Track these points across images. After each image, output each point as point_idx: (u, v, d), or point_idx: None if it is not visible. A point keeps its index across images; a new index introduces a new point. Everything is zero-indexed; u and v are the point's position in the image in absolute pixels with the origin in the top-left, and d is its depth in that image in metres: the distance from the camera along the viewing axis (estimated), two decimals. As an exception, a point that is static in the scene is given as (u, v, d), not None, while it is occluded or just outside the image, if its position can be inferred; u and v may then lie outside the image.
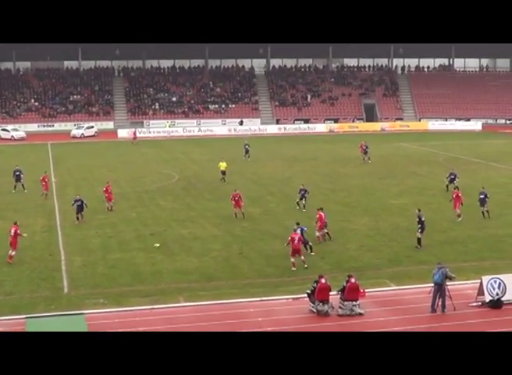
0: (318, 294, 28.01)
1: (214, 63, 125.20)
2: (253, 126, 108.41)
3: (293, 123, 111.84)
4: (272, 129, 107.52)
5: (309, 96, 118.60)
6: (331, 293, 28.22)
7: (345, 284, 28.29)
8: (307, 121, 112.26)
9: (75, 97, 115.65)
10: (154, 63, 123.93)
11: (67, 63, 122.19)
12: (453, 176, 53.95)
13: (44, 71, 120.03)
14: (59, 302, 30.16)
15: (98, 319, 28.03)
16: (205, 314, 28.21)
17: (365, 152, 70.33)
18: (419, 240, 37.90)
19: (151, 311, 28.90)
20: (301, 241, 34.72)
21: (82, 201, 44.95)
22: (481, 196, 44.51)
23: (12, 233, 36.26)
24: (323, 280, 28.25)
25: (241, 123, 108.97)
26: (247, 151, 72.89)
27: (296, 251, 34.15)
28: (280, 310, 28.86)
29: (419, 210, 38.61)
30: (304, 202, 47.27)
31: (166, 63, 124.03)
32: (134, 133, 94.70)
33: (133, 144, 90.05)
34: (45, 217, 46.55)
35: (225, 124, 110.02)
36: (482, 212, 44.05)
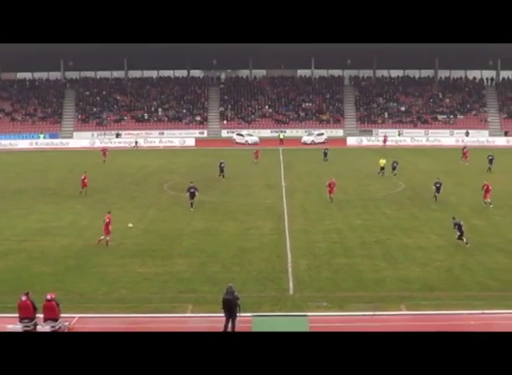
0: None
1: (443, 74, 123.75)
2: (480, 137, 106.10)
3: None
4: (500, 141, 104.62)
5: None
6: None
7: None
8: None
9: (306, 104, 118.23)
10: (384, 73, 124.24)
11: (300, 72, 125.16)
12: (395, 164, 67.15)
13: (279, 79, 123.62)
14: (284, 303, 31.13)
15: (321, 321, 28.83)
16: (424, 323, 28.33)
17: None
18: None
19: (372, 317, 29.32)
20: None
21: (195, 189, 51.75)
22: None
23: (106, 222, 40.99)
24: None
25: (467, 134, 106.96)
26: (490, 162, 71.56)
27: None
28: (501, 324, 28.59)
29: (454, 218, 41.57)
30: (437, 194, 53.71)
31: (396, 73, 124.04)
32: (385, 138, 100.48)
33: (384, 147, 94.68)
34: (274, 220, 48.06)
35: (452, 135, 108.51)
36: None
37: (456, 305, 30.69)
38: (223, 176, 66.81)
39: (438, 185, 54.28)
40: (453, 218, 41.29)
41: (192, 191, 51.72)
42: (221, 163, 67.72)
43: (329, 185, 55.05)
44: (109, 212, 42.26)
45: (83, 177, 58.82)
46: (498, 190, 59.68)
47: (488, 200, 51.45)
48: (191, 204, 51.42)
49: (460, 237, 40.12)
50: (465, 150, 79.28)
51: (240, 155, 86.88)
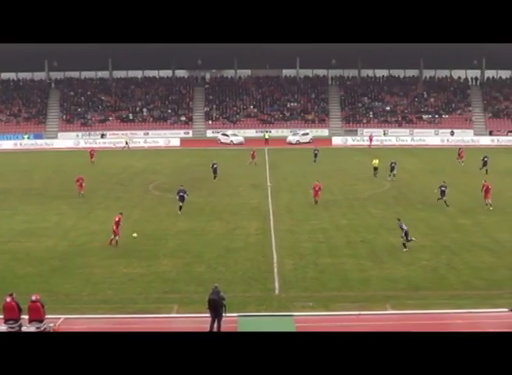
0: (527, 310, 27.67)
1: (428, 73, 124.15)
2: (465, 137, 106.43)
3: (507, 134, 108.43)
4: (485, 140, 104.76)
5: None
6: (541, 309, 27.73)
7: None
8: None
9: (292, 104, 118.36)
10: (369, 72, 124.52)
11: (285, 72, 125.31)
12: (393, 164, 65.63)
13: (263, 79, 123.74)
14: (270, 303, 31.22)
15: (307, 321, 28.95)
16: (410, 323, 28.41)
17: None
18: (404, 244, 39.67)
19: (357, 317, 29.36)
20: None
21: (184, 192, 50.32)
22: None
23: (115, 221, 40.99)
24: (532, 296, 27.88)
25: (452, 134, 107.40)
26: (485, 164, 71.06)
27: None
28: (487, 323, 28.63)
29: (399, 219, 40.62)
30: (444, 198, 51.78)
31: (381, 72, 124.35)
32: (370, 137, 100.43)
33: (369, 147, 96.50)
34: (260, 220, 48.10)
35: (437, 134, 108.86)
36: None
37: (442, 304, 30.84)
38: (215, 177, 65.88)
39: (443, 189, 52.35)
40: (398, 219, 40.77)
41: (181, 194, 50.31)
42: (213, 164, 66.69)
43: (314, 188, 53.72)
44: (121, 213, 42.06)
45: (76, 179, 58.12)
46: (479, 188, 59.91)
47: (489, 201, 51.10)
48: (180, 207, 50.09)
49: (406, 240, 39.70)
50: (461, 150, 79.59)
51: (225, 155, 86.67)
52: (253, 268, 36.57)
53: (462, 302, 30.92)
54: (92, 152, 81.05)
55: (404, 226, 39.74)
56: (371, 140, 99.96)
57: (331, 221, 47.69)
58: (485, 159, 70.84)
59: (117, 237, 40.90)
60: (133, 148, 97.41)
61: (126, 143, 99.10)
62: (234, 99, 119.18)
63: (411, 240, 39.77)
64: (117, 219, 41.12)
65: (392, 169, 66.33)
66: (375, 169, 67.94)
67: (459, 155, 78.82)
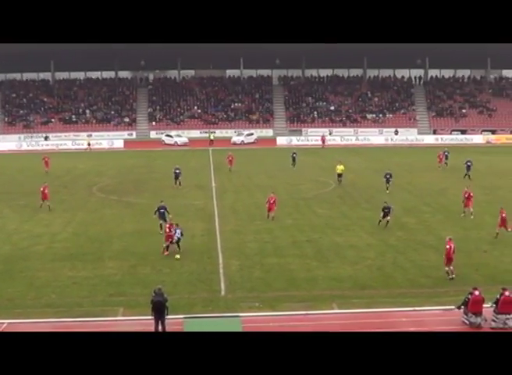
0: (472, 306, 27.92)
1: (372, 73, 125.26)
2: (409, 136, 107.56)
3: (450, 133, 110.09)
4: (429, 139, 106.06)
5: (466, 107, 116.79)
6: (484, 305, 28.06)
7: (498, 297, 28.05)
8: (464, 132, 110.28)
9: (236, 104, 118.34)
10: (313, 72, 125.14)
11: (229, 72, 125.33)
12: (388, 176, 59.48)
13: (207, 79, 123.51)
14: (216, 304, 31.12)
15: (253, 322, 28.82)
16: (357, 322, 28.55)
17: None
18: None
19: (304, 316, 29.40)
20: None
21: (165, 209, 44.88)
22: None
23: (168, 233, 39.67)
24: (477, 292, 28.13)
25: (396, 133, 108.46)
26: (468, 169, 67.46)
27: (451, 260, 34.29)
28: (432, 321, 28.87)
29: (177, 224, 40.16)
30: (387, 219, 45.48)
31: (325, 72, 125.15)
32: (323, 138, 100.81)
33: (323, 148, 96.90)
34: (205, 221, 47.95)
35: (381, 134, 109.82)
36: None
37: (388, 302, 31.03)
38: (180, 183, 62.62)
39: (386, 210, 45.93)
40: (177, 224, 40.15)
41: (162, 210, 44.96)
42: (176, 169, 63.45)
43: (269, 201, 48.31)
44: (176, 223, 40.45)
45: (42, 189, 53.56)
46: (427, 187, 60.63)
47: (471, 209, 48.02)
48: (161, 225, 44.60)
49: (176, 243, 39.31)
50: (440, 153, 75.44)
51: (169, 155, 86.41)
52: (199, 269, 36.38)
53: (408, 300, 31.14)
54: (46, 160, 74.32)
55: (180, 233, 39.31)
56: (323, 140, 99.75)
57: (276, 221, 47.62)
58: (468, 164, 67.52)
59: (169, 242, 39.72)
60: (76, 150, 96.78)
61: (89, 144, 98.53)
62: (178, 100, 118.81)
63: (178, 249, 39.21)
64: (169, 229, 39.90)
65: (387, 181, 60.45)
66: (339, 175, 63.76)
67: (439, 158, 74.62)
